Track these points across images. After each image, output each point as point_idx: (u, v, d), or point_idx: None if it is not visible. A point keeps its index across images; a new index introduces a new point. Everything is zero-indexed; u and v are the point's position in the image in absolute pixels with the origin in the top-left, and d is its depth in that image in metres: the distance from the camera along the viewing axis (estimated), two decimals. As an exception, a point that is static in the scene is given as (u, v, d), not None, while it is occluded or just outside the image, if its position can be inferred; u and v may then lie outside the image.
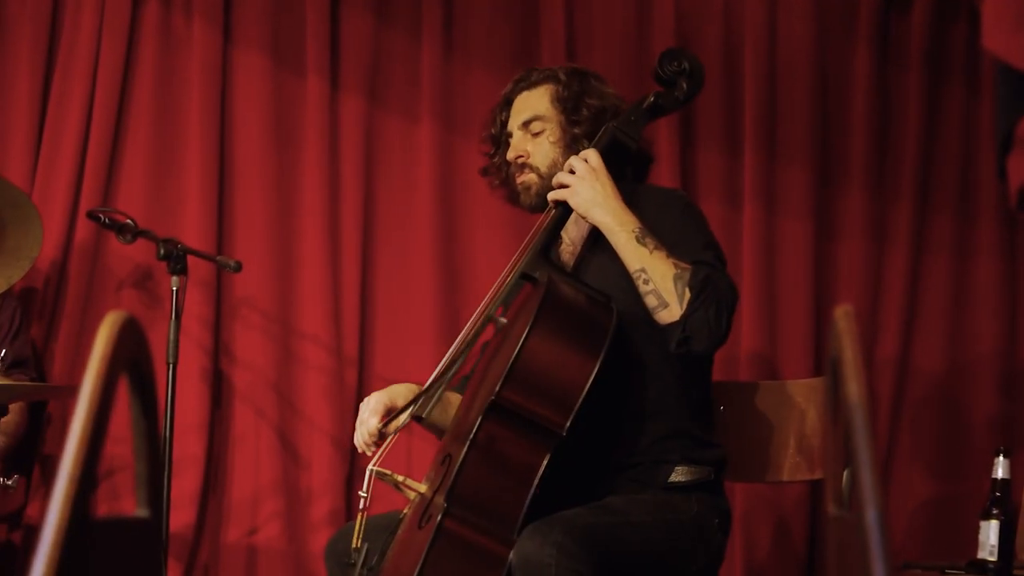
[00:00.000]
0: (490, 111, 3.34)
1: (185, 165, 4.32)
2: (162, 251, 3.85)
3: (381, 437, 3.04)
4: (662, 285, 2.86)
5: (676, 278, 2.86)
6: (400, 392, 3.13)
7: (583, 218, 3.02)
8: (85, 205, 4.18)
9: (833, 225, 4.37)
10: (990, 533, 3.41)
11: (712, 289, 2.85)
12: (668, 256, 2.89)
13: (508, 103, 3.27)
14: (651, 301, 2.88)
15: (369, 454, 3.07)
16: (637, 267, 2.89)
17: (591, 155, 3.02)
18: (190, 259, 3.90)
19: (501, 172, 3.30)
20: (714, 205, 4.27)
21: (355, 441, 3.10)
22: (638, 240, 2.90)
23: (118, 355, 1.32)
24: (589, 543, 2.67)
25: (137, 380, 1.41)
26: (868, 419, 1.27)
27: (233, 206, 4.35)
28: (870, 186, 4.34)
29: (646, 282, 2.87)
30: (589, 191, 2.97)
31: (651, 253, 2.88)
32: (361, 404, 3.14)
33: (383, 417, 3.05)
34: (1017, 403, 4.26)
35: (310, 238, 4.32)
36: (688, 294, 2.84)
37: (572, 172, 3.00)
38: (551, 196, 3.04)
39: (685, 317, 2.84)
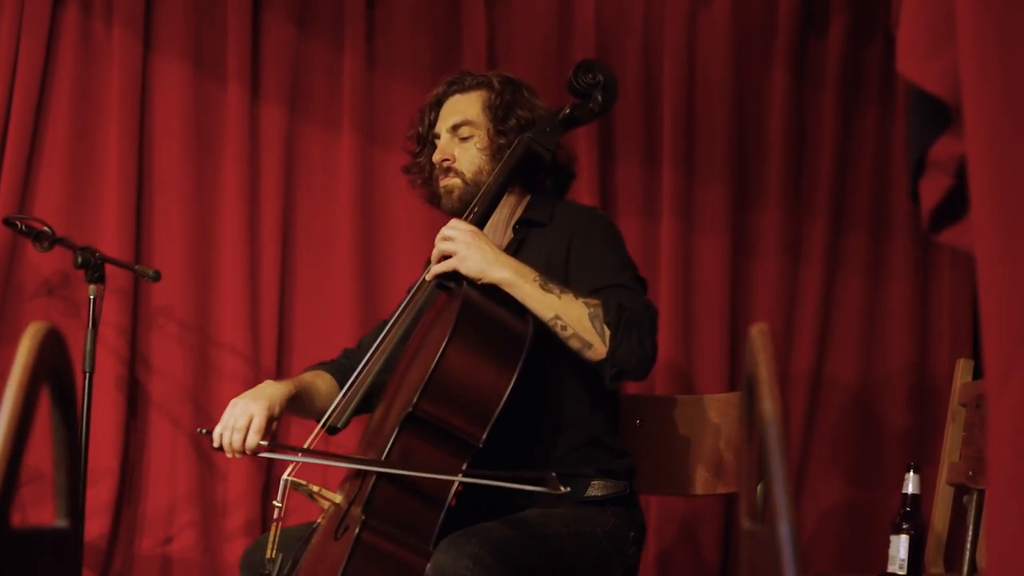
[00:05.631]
0: (418, 109, 3.34)
1: (104, 172, 4.29)
2: (80, 259, 3.83)
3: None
4: (580, 327, 2.87)
5: (592, 317, 2.87)
6: (276, 397, 3.02)
7: (478, 280, 2.92)
8: (1, 211, 4.13)
9: (749, 241, 4.42)
10: (900, 548, 3.45)
11: (628, 318, 2.87)
12: (576, 297, 2.89)
13: (438, 104, 3.27)
14: (574, 344, 2.88)
15: (235, 457, 2.98)
16: (551, 315, 2.88)
17: (459, 222, 2.98)
18: (107, 267, 3.88)
19: (424, 172, 3.30)
20: (632, 219, 4.31)
21: (225, 443, 2.95)
22: (543, 288, 2.88)
23: (40, 365, 1.32)
24: (505, 556, 2.68)
25: (58, 391, 1.40)
26: (782, 436, 1.30)
27: (151, 214, 4.33)
28: (786, 203, 4.39)
29: (564, 328, 2.87)
30: (478, 252, 2.92)
31: (560, 298, 2.88)
32: (236, 408, 2.98)
33: (267, 435, 2.96)
34: (927, 417, 4.32)
35: (229, 247, 4.30)
36: (607, 330, 2.86)
37: (448, 240, 2.95)
38: (436, 269, 2.96)
39: (611, 352, 2.86)
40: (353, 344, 3.47)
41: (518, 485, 2.74)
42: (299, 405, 3.15)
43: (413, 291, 3.13)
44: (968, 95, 1.51)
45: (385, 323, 3.27)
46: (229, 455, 2.97)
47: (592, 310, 2.87)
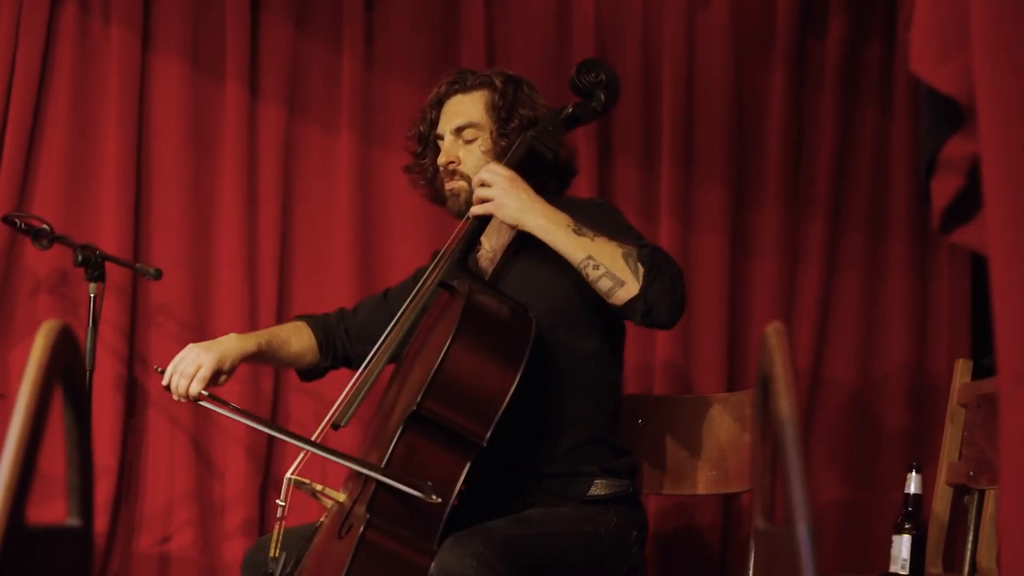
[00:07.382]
0: (420, 108, 3.33)
1: (102, 171, 4.28)
2: (79, 257, 3.82)
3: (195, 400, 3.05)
4: (613, 265, 2.88)
5: (625, 256, 2.89)
6: (230, 352, 3.10)
7: (514, 227, 3.02)
8: (0, 209, 4.13)
9: (748, 241, 4.41)
10: (902, 547, 3.46)
11: (662, 261, 2.90)
12: (610, 239, 2.92)
13: (440, 103, 3.26)
14: (605, 284, 2.89)
15: (179, 401, 3.06)
16: (583, 256, 2.90)
17: (498, 167, 3.03)
18: (106, 265, 3.87)
19: (427, 173, 3.30)
20: (631, 219, 4.26)
21: (173, 385, 3.02)
22: (576, 232, 2.92)
23: (53, 364, 1.32)
24: (509, 555, 2.68)
25: (70, 389, 1.40)
26: (799, 434, 1.30)
27: (150, 212, 4.32)
28: (785, 203, 4.38)
29: (596, 267, 2.89)
30: (515, 200, 2.98)
31: (593, 240, 2.91)
32: (188, 355, 3.05)
33: (211, 386, 3.04)
34: (926, 417, 4.32)
35: (227, 246, 4.30)
36: (642, 268, 2.87)
37: (486, 185, 3.01)
38: (475, 211, 3.04)
39: (644, 290, 2.87)
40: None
41: (391, 481, 2.71)
42: (262, 360, 3.28)
43: (414, 290, 3.13)
44: (982, 96, 1.51)
45: (388, 291, 3.37)
46: (175, 398, 3.05)
47: (626, 250, 2.90)
